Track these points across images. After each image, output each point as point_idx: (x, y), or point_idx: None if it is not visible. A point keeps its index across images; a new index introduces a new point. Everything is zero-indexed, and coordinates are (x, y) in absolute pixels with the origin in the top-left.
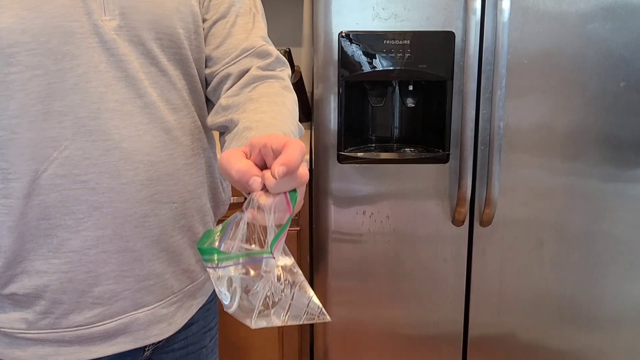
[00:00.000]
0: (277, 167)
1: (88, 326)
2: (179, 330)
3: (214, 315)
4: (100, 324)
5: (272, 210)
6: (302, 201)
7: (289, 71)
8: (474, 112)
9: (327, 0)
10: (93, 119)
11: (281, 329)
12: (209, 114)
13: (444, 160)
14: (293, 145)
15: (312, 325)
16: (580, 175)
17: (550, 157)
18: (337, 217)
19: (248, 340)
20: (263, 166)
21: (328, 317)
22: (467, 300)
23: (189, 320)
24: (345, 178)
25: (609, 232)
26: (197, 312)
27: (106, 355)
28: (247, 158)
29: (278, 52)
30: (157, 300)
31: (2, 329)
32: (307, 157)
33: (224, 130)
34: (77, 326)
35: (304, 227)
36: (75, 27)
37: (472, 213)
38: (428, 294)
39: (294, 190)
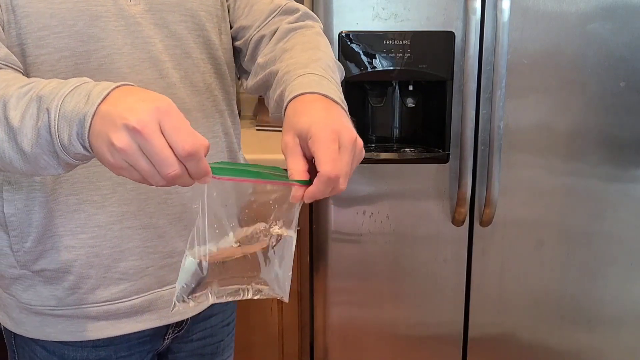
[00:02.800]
0: (306, 199)
1: (114, 301)
2: (199, 321)
3: (232, 311)
4: (126, 299)
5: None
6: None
7: (320, 24)
8: (474, 112)
9: (327, 0)
10: None
11: (281, 329)
12: (247, 80)
13: (444, 160)
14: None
15: (312, 325)
16: (580, 176)
17: (550, 157)
18: (337, 217)
19: (248, 339)
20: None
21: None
22: (467, 300)
23: (208, 312)
24: None
25: (609, 232)
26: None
27: (133, 332)
28: (299, 147)
29: (305, 7)
30: None
31: (33, 308)
32: None
33: (265, 87)
34: (104, 301)
35: (304, 227)
36: (100, 11)
37: (472, 213)
38: (428, 294)
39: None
